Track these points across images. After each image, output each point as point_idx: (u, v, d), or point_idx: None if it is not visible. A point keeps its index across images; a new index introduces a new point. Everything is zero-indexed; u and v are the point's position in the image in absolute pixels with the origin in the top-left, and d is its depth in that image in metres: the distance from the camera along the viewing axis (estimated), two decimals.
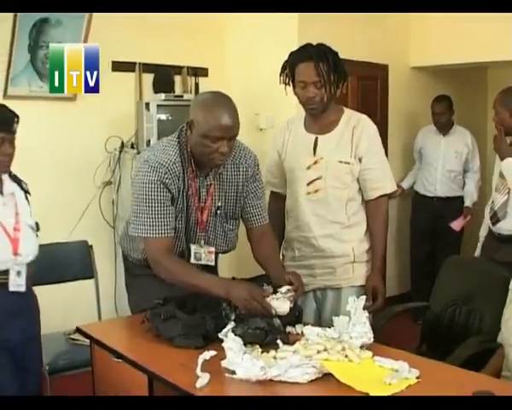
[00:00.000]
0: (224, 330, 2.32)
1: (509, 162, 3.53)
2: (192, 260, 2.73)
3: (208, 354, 2.09)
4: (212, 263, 2.79)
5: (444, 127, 5.32)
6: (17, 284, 2.62)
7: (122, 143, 4.46)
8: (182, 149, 2.66)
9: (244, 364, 2.08)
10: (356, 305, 2.45)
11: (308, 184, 3.02)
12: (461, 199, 5.35)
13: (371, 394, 1.99)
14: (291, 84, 2.99)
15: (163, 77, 4.56)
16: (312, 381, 2.11)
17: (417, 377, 2.11)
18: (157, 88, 4.53)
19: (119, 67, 4.48)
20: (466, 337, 2.93)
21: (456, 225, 5.19)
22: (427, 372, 2.17)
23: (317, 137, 3.01)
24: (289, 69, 2.96)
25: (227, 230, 2.82)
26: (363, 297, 2.49)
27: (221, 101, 2.59)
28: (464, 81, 5.86)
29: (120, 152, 4.45)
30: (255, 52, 4.86)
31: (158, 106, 4.27)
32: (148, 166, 2.59)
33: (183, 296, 2.63)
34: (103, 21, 4.19)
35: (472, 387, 2.03)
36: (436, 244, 5.41)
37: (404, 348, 2.52)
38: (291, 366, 2.10)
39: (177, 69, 4.76)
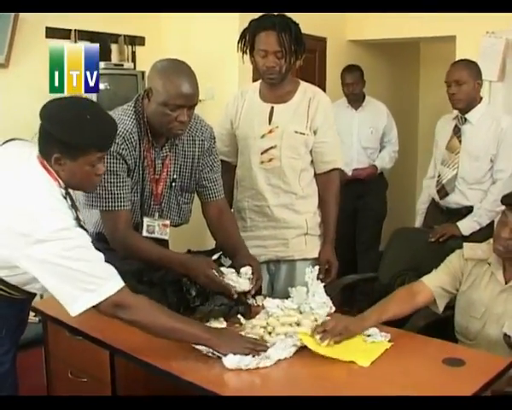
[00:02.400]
0: None
1: None
2: (144, 233, 2.66)
3: None
4: (166, 237, 2.73)
5: (356, 100, 4.96)
6: None
7: None
8: (138, 118, 2.58)
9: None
10: (312, 276, 2.49)
11: (262, 153, 3.00)
12: (382, 176, 5.05)
13: (359, 363, 2.07)
14: (248, 52, 2.95)
15: (100, 45, 4.40)
16: (296, 353, 2.14)
17: (390, 341, 2.19)
18: None
19: (53, 33, 4.29)
20: None
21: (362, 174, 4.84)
22: (395, 340, 2.23)
23: (272, 107, 3.00)
24: (249, 37, 2.92)
25: (181, 203, 2.77)
26: (317, 268, 2.54)
27: (181, 68, 2.52)
28: (398, 55, 5.94)
29: None
30: (193, 20, 4.75)
31: None
32: None
33: (138, 269, 2.58)
34: None
35: (441, 354, 2.10)
36: (355, 227, 5.03)
37: None
38: (276, 348, 2.12)
39: (114, 37, 4.61)
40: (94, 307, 2.05)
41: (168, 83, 2.46)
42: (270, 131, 2.99)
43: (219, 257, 2.62)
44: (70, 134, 2.03)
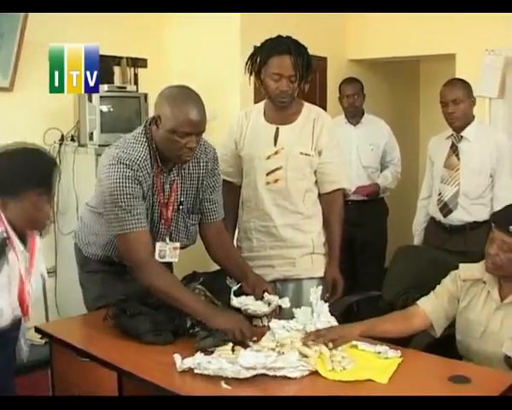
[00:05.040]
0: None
1: None
2: (156, 258, 2.66)
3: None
4: (176, 259, 2.75)
5: (355, 114, 4.72)
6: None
7: (62, 135, 4.32)
8: (149, 144, 2.60)
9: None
10: (317, 296, 2.51)
11: (268, 174, 3.02)
12: (382, 201, 4.82)
13: (377, 380, 2.08)
14: (256, 73, 2.98)
15: (103, 67, 4.43)
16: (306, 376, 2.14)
17: (400, 356, 2.22)
18: None
19: None
20: None
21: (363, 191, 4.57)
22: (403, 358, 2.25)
23: (277, 128, 3.02)
24: (261, 59, 2.94)
25: (189, 225, 2.79)
26: (321, 288, 2.57)
27: (189, 96, 2.55)
28: (398, 74, 5.98)
29: (60, 145, 4.30)
30: (196, 43, 4.80)
31: (101, 97, 4.15)
32: (120, 164, 2.51)
33: (143, 291, 2.58)
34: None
35: (447, 372, 2.11)
36: (355, 258, 4.67)
37: None
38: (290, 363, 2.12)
39: (116, 60, 4.65)
40: None
41: (177, 110, 2.48)
42: (276, 153, 3.01)
43: (224, 279, 2.65)
44: (4, 175, 2.15)
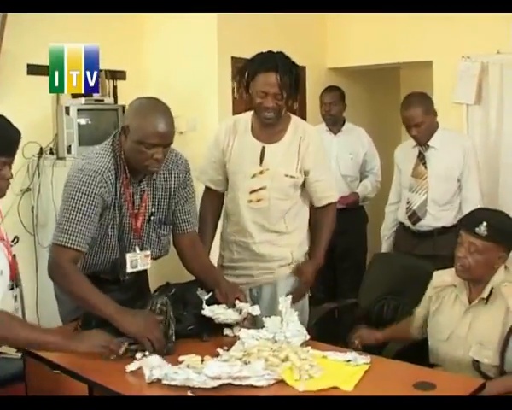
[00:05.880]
0: None
1: None
2: (128, 269, 2.69)
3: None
4: (149, 266, 2.77)
5: (334, 122, 4.76)
6: None
7: (41, 148, 4.33)
8: (115, 155, 2.61)
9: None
10: (286, 304, 2.53)
11: (251, 193, 3.04)
12: (362, 209, 4.85)
13: (342, 388, 2.08)
14: (244, 87, 3.00)
15: None
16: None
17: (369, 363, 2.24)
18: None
19: (34, 70, 4.33)
20: None
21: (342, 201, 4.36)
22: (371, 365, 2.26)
23: (264, 147, 3.03)
24: (249, 74, 2.96)
25: (160, 235, 2.80)
26: (290, 297, 2.57)
27: (157, 107, 2.57)
28: (378, 81, 6.00)
29: (39, 158, 4.32)
30: (174, 53, 4.82)
31: (78, 110, 4.16)
32: (82, 175, 2.53)
33: (131, 298, 2.64)
34: (17, 23, 4.07)
35: (413, 378, 2.12)
36: (336, 266, 4.69)
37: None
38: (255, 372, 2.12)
39: None
40: None
41: (144, 121, 2.50)
42: (261, 172, 3.03)
43: (196, 289, 2.66)
44: None
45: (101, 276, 2.72)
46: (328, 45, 5.49)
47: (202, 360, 2.26)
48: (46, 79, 4.39)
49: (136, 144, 2.51)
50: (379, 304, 3.27)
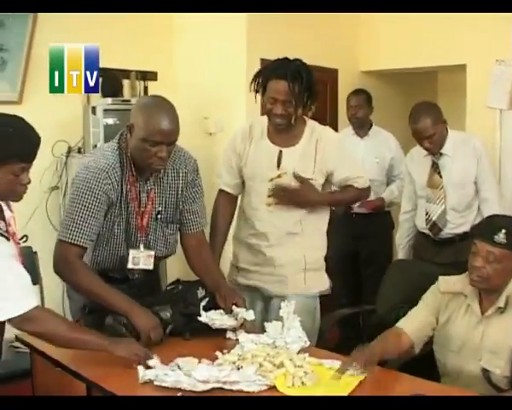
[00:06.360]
0: None
1: None
2: (130, 265, 2.71)
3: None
4: (150, 267, 2.76)
5: (361, 126, 4.71)
6: None
7: (69, 147, 4.41)
8: (121, 153, 2.64)
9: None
10: (288, 310, 2.50)
11: (269, 196, 3.02)
12: (388, 215, 4.76)
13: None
14: (261, 92, 2.98)
15: (110, 81, 4.50)
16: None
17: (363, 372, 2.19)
18: (105, 92, 4.47)
19: None
20: None
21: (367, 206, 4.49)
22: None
23: (281, 151, 3.01)
24: (262, 80, 2.95)
25: (167, 234, 2.81)
26: (293, 302, 2.55)
27: (161, 105, 2.58)
28: (414, 85, 5.86)
29: (67, 157, 4.39)
30: (204, 54, 4.84)
31: (104, 110, 4.21)
32: (87, 173, 2.57)
33: (129, 295, 2.60)
34: (48, 23, 4.14)
35: (409, 390, 2.07)
36: (360, 271, 4.71)
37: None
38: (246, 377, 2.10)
39: (126, 73, 4.71)
40: None
41: (148, 119, 2.51)
42: (279, 176, 3.00)
43: (197, 289, 2.65)
44: None
45: (110, 274, 2.75)
46: (361, 48, 5.42)
47: (199, 363, 2.25)
48: None
49: (141, 142, 2.52)
50: (395, 312, 3.18)
